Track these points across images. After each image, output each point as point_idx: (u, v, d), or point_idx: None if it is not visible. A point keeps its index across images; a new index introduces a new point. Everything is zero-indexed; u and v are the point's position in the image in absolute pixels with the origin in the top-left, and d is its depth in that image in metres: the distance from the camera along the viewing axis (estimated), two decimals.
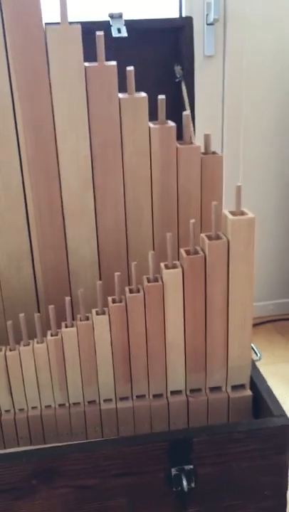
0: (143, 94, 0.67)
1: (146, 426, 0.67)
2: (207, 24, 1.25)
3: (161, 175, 0.68)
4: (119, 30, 0.89)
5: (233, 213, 0.61)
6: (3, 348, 0.63)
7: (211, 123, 1.32)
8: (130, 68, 0.66)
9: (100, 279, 0.71)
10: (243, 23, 1.27)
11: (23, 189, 0.67)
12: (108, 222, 0.69)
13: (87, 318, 0.63)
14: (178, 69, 0.98)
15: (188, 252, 0.62)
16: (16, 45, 0.61)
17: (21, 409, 0.65)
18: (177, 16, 1.25)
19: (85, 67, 0.63)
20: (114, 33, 0.89)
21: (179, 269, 0.61)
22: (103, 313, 0.63)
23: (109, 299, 0.63)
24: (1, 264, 0.69)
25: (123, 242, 0.70)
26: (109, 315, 0.62)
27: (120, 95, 0.66)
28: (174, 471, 0.60)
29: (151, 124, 0.67)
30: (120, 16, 0.93)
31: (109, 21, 0.93)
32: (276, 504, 0.65)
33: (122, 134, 0.66)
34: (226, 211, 0.62)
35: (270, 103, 1.33)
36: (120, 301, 0.62)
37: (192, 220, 0.61)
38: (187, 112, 0.70)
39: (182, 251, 0.62)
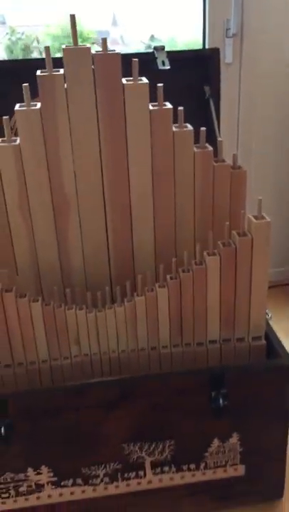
0: (190, 128, 0.91)
1: (192, 364, 0.95)
2: (227, 37, 1.47)
3: (202, 187, 0.93)
4: (163, 63, 1.13)
5: (255, 217, 0.87)
6: (94, 310, 0.90)
7: (228, 121, 1.55)
8: (180, 108, 0.90)
9: (155, 262, 0.97)
10: (257, 35, 1.48)
11: (104, 199, 0.92)
12: (163, 222, 0.95)
13: (152, 290, 0.90)
14: (207, 89, 1.21)
15: (224, 244, 0.88)
16: (103, 100, 0.85)
17: (105, 352, 0.93)
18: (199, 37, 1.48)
19: (150, 111, 0.88)
20: (160, 66, 1.12)
21: (218, 257, 0.88)
22: (164, 286, 0.89)
23: (168, 276, 0.90)
24: (86, 252, 0.95)
25: (172, 236, 0.96)
26: (168, 288, 0.89)
27: (174, 129, 0.90)
28: (213, 394, 0.88)
29: (195, 149, 0.92)
30: (163, 48, 1.16)
31: (153, 52, 1.17)
32: (279, 415, 0.93)
33: (175, 160, 0.91)
34: (250, 216, 0.88)
35: (282, 106, 1.57)
36: (176, 278, 0.89)
37: (227, 222, 0.87)
38: (220, 139, 0.95)
39: (219, 243, 0.88)
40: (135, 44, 2.55)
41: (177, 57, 1.16)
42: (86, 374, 0.94)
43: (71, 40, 0.83)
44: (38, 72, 0.84)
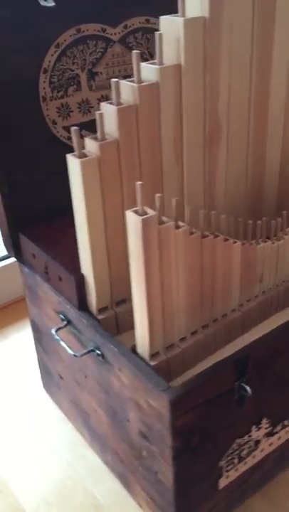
0: None
1: None
2: None
3: None
4: None
5: None
6: (275, 240, 0.83)
7: None
8: None
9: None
10: None
11: (249, 122, 0.84)
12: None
13: None
14: None
15: None
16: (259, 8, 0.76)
17: (278, 285, 0.87)
18: None
19: None
20: None
21: None
22: None
23: None
24: (228, 180, 0.86)
25: None
26: None
27: None
28: None
29: None
30: None
31: None
32: None
33: None
34: None
35: None
36: None
37: None
38: None
39: None
40: None
41: None
42: (266, 313, 0.87)
43: None
44: None
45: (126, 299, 0.85)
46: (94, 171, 0.71)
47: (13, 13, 0.88)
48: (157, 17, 1.05)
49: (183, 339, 0.77)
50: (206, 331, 0.79)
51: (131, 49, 1.03)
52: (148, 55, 1.06)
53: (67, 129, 1.00)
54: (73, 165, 0.70)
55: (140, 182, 0.63)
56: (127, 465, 0.88)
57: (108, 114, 0.71)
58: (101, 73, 1.01)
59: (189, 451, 0.73)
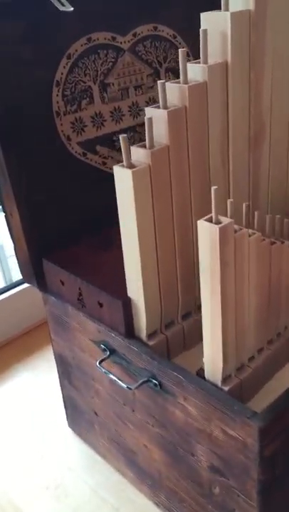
0: None
1: None
2: None
3: None
4: None
5: None
6: None
7: None
8: None
9: None
10: None
11: None
12: None
13: None
14: None
15: None
16: None
17: None
18: None
19: None
20: None
21: None
22: None
23: None
24: (271, 182, 0.82)
25: None
26: None
27: None
28: None
29: None
30: None
31: None
32: None
33: None
34: None
35: None
36: None
37: None
38: None
39: None
40: None
41: None
42: None
43: None
44: None
45: (174, 321, 0.78)
46: (145, 181, 0.64)
47: (24, 25, 0.81)
48: (164, 24, 1.03)
49: (251, 358, 0.70)
50: (272, 346, 0.73)
51: (140, 58, 0.98)
52: (157, 64, 1.01)
53: (81, 144, 0.93)
54: (123, 176, 0.64)
55: (215, 186, 0.57)
56: (189, 504, 0.79)
57: (157, 119, 0.65)
58: (113, 84, 0.95)
59: (273, 481, 0.66)
